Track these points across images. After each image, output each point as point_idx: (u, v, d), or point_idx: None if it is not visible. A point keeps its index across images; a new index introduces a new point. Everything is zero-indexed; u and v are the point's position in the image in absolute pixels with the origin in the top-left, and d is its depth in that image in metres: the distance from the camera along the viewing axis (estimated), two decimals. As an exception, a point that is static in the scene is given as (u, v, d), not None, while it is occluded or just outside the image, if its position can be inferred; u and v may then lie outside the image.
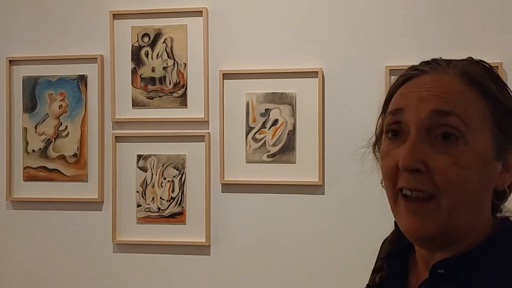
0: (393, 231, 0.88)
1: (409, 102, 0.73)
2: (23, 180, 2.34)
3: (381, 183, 0.79)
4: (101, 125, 2.29)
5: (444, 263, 0.73)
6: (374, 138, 0.84)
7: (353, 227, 2.13)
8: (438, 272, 0.73)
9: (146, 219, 2.26)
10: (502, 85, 0.76)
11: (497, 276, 0.71)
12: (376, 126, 0.84)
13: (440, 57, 0.78)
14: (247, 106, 2.19)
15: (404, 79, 0.77)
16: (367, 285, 0.88)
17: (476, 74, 0.74)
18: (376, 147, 0.84)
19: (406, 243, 0.82)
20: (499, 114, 0.73)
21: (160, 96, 2.25)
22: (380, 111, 0.83)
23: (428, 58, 0.81)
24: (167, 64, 2.25)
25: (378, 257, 0.91)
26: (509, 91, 0.76)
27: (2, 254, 2.37)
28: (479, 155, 0.70)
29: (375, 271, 0.89)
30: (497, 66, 2.00)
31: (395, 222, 0.87)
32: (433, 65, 0.76)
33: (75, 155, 2.30)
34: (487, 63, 0.78)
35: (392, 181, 0.74)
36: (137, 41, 2.26)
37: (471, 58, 0.79)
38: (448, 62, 0.76)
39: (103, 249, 2.30)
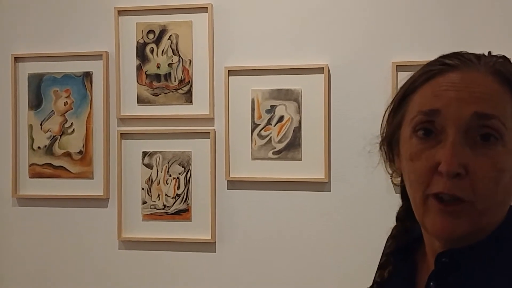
0: (395, 226, 0.87)
1: (446, 103, 0.69)
2: (29, 177, 2.34)
3: (391, 178, 0.78)
4: (107, 122, 2.29)
5: (448, 252, 0.73)
6: (381, 134, 0.81)
7: (359, 224, 2.12)
8: (443, 261, 0.73)
9: (151, 216, 2.26)
10: None
11: (506, 266, 0.70)
12: (382, 121, 0.81)
13: (465, 51, 0.75)
14: (253, 102, 2.18)
15: (431, 75, 0.73)
16: (375, 281, 0.87)
17: (508, 72, 0.72)
18: (385, 144, 0.81)
19: (412, 238, 0.81)
20: None
21: (165, 93, 2.25)
22: (390, 107, 0.79)
23: (435, 54, 0.77)
24: (172, 60, 2.24)
25: (383, 253, 0.89)
26: None
27: (8, 251, 2.38)
28: None
29: (381, 267, 0.88)
30: (505, 62, 1.98)
31: (396, 217, 0.86)
32: (462, 60, 0.72)
33: (80, 152, 2.30)
34: (508, 58, 0.75)
35: (424, 184, 0.70)
36: (142, 37, 2.26)
37: (490, 53, 0.76)
38: (477, 57, 0.73)
39: (109, 246, 2.30)
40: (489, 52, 0.76)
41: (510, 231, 0.73)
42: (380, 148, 0.82)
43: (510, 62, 0.75)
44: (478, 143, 0.68)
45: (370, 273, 0.92)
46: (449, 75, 0.71)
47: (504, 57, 0.75)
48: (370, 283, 0.90)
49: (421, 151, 0.70)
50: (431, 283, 0.74)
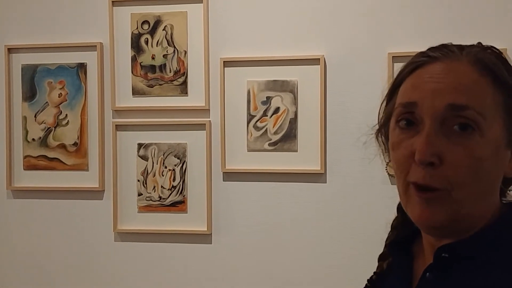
0: (396, 218, 0.88)
1: (423, 95, 0.71)
2: (23, 169, 2.33)
3: (386, 169, 0.78)
4: (101, 113, 2.27)
5: (449, 247, 0.73)
6: (378, 125, 0.83)
7: (355, 215, 2.12)
8: (443, 256, 0.73)
9: (147, 208, 2.25)
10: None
11: (503, 261, 0.70)
12: (379, 112, 0.82)
13: (451, 43, 0.76)
14: (248, 94, 2.17)
15: (414, 66, 0.74)
16: (374, 272, 0.89)
17: (490, 62, 0.72)
18: (380, 134, 0.82)
19: (411, 229, 0.81)
20: (511, 102, 0.72)
21: (160, 84, 2.23)
22: (384, 98, 0.81)
23: (431, 44, 0.78)
24: (167, 51, 2.22)
25: (385, 243, 0.91)
26: None
27: (2, 243, 2.37)
28: (493, 145, 0.70)
29: (381, 258, 0.89)
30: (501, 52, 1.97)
31: (397, 208, 0.86)
32: (445, 51, 0.73)
33: (75, 144, 2.29)
34: (497, 49, 0.76)
35: (404, 173, 0.72)
36: (137, 28, 2.24)
37: (481, 43, 0.76)
38: (460, 48, 0.74)
39: (104, 238, 2.29)
40: (479, 43, 0.76)
41: (508, 227, 0.73)
42: (377, 138, 0.83)
43: (496, 53, 0.75)
44: (454, 132, 0.69)
45: (365, 264, 0.92)
46: (430, 67, 0.72)
47: (491, 47, 0.75)
48: (366, 274, 0.90)
49: (402, 140, 0.73)
50: (427, 274, 0.75)
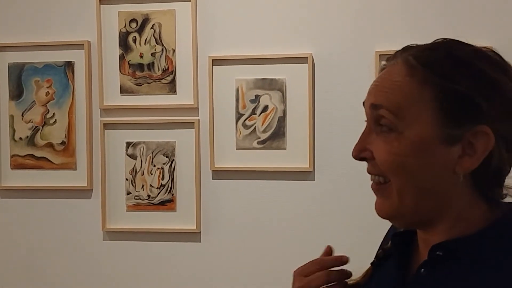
0: None
1: (366, 97, 0.80)
2: (11, 169, 2.31)
3: None
4: (89, 112, 2.26)
5: (443, 245, 0.75)
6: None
7: (343, 213, 2.14)
8: (437, 254, 0.75)
9: (136, 207, 2.25)
10: (459, 68, 0.73)
11: (498, 260, 0.71)
12: None
13: (408, 45, 0.79)
14: (237, 92, 2.17)
15: (380, 70, 0.82)
16: (381, 248, 0.91)
17: (419, 62, 0.74)
18: None
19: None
20: (445, 101, 0.72)
21: (148, 83, 2.23)
22: None
23: (418, 42, 0.80)
24: (155, 50, 2.22)
25: (385, 236, 0.95)
26: (474, 72, 0.73)
27: (-10, 243, 2.35)
28: (414, 142, 0.73)
29: (381, 247, 0.91)
30: (487, 51, 1.99)
31: None
32: (394, 55, 0.79)
33: (63, 142, 2.28)
34: (452, 44, 0.76)
35: None
36: (125, 26, 2.23)
37: (443, 40, 0.78)
38: (405, 50, 0.78)
39: (93, 237, 2.28)
40: (435, 40, 0.78)
41: (504, 229, 0.74)
42: None
43: (441, 48, 0.76)
44: (381, 131, 0.76)
45: (354, 261, 0.93)
46: (380, 72, 0.80)
47: (438, 42, 0.77)
48: (355, 270, 0.91)
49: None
50: (421, 270, 0.77)
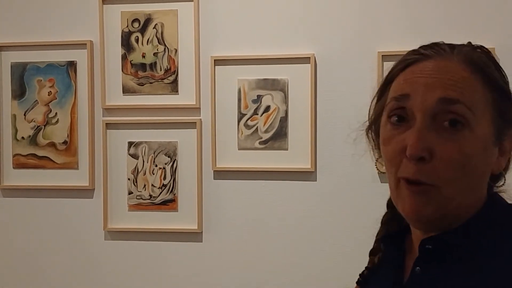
0: (386, 213, 0.89)
1: (415, 88, 0.72)
2: (13, 168, 2.31)
3: (375, 165, 0.79)
4: (91, 112, 2.27)
5: (432, 239, 0.75)
6: (368, 122, 0.84)
7: (345, 213, 2.13)
8: (426, 248, 0.75)
9: (137, 207, 2.25)
10: (501, 70, 0.77)
11: (486, 249, 0.72)
12: (369, 109, 0.83)
13: (442, 41, 0.78)
14: (239, 92, 2.17)
15: (406, 63, 0.76)
16: (366, 267, 0.90)
17: (480, 61, 0.74)
18: (370, 131, 0.83)
19: (403, 225, 0.83)
20: (499, 100, 0.74)
21: (150, 83, 2.23)
22: (375, 95, 0.82)
23: (421, 43, 0.80)
24: (157, 50, 2.22)
25: (376, 239, 0.92)
26: (506, 75, 0.77)
27: (-8, 242, 2.36)
28: (481, 141, 0.71)
29: (372, 253, 0.90)
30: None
31: (387, 204, 0.87)
32: (436, 49, 0.75)
33: (65, 142, 2.28)
34: (486, 48, 0.78)
35: (395, 168, 0.74)
36: (127, 26, 2.24)
37: (471, 43, 0.78)
38: (452, 47, 0.76)
39: (95, 236, 2.29)
40: (469, 42, 0.78)
41: (489, 216, 0.75)
42: (367, 135, 0.84)
43: (485, 52, 0.77)
44: (445, 128, 0.70)
45: (355, 261, 0.93)
46: (422, 64, 0.74)
47: (481, 47, 0.77)
48: (357, 271, 0.91)
49: (393, 136, 0.74)
50: (417, 268, 0.76)
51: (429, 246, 0.75)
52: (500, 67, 0.77)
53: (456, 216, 0.74)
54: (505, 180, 0.79)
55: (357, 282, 0.89)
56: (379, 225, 0.90)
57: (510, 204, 0.78)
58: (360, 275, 0.89)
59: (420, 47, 0.77)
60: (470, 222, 0.74)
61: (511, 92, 0.76)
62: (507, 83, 0.76)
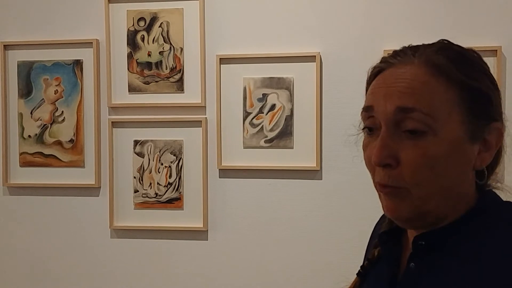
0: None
1: (377, 99, 0.76)
2: (20, 166, 2.33)
3: None
4: (98, 110, 2.27)
5: (424, 235, 0.77)
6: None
7: (350, 211, 2.13)
8: (419, 244, 0.77)
9: (143, 205, 2.26)
10: (474, 67, 0.76)
11: (478, 246, 0.73)
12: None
13: (410, 45, 0.79)
14: (244, 91, 2.18)
15: (375, 72, 0.80)
16: (365, 258, 0.92)
17: (441, 61, 0.74)
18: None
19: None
20: (469, 99, 0.74)
21: (156, 81, 2.23)
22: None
23: (426, 41, 0.81)
24: (163, 48, 2.23)
25: (371, 235, 0.95)
26: (484, 71, 0.77)
27: (-1, 240, 2.37)
28: (448, 142, 0.73)
29: (374, 246, 0.91)
30: (496, 50, 1.98)
31: None
32: (400, 56, 0.77)
33: (71, 140, 2.29)
34: (456, 46, 0.78)
35: (371, 173, 0.78)
36: (133, 25, 2.24)
37: (443, 40, 0.79)
38: (415, 50, 0.77)
39: (101, 234, 2.30)
40: (440, 40, 0.79)
41: (480, 212, 0.76)
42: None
43: (450, 49, 0.77)
44: (407, 134, 0.73)
45: (360, 259, 0.93)
46: (385, 73, 0.77)
47: (444, 43, 0.78)
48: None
49: (368, 143, 0.78)
50: (411, 264, 0.78)
51: (422, 242, 0.77)
52: (476, 63, 0.77)
53: (439, 214, 0.76)
54: (496, 174, 0.80)
55: (357, 274, 0.90)
56: (382, 219, 0.92)
57: (502, 200, 0.79)
58: (361, 266, 0.90)
59: (389, 54, 0.80)
60: (461, 218, 0.76)
61: (490, 88, 0.76)
62: (481, 79, 0.75)
